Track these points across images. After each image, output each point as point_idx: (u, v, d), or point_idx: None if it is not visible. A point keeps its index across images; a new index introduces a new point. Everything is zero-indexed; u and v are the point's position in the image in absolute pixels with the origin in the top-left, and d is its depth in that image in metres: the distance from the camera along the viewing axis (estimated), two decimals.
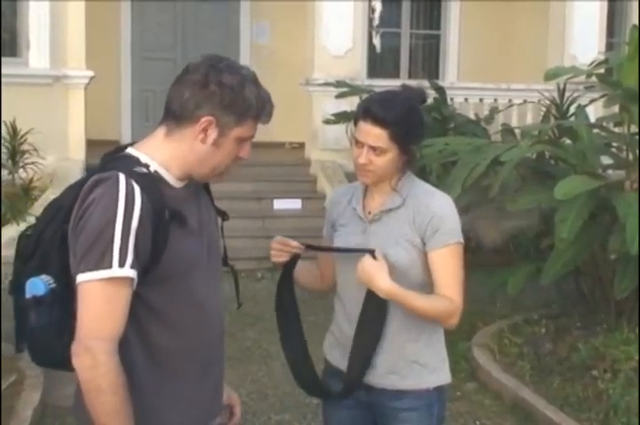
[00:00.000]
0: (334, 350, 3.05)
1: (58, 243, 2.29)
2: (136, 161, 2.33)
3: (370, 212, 2.94)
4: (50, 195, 9.63)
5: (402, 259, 2.83)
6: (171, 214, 2.27)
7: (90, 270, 2.19)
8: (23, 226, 8.84)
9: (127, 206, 2.19)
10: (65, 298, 2.28)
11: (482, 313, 7.39)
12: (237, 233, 9.49)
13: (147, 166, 2.32)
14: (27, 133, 9.72)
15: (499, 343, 6.46)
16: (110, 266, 2.18)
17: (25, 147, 9.79)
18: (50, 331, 2.28)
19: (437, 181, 7.50)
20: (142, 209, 2.20)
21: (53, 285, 2.27)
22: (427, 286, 2.86)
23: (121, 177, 2.22)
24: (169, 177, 2.36)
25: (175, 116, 2.35)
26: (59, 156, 10.38)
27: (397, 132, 2.77)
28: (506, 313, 7.31)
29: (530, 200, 6.28)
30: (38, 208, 9.34)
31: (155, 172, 2.33)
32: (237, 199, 10.05)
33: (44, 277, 2.27)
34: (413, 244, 2.82)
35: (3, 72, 9.87)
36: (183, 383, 2.40)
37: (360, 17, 11.82)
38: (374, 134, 2.78)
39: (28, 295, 2.27)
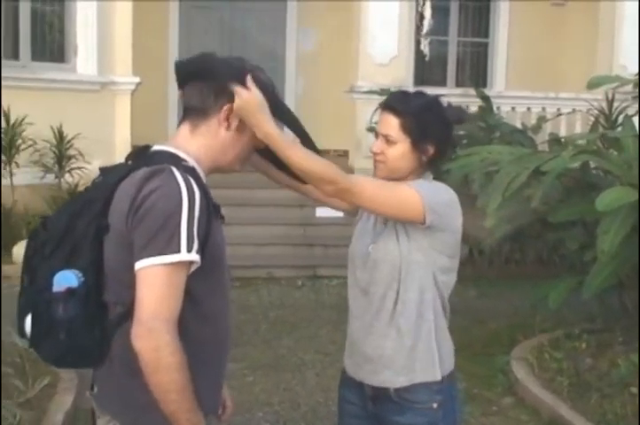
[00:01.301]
0: (348, 358, 3.07)
1: (91, 235, 2.34)
2: (176, 157, 2.42)
3: None
4: None
5: (391, 251, 2.84)
6: (213, 207, 2.38)
7: (157, 255, 2.24)
8: None
9: (189, 196, 2.28)
10: (95, 291, 2.34)
11: (524, 326, 7.29)
12: (277, 240, 9.51)
13: (187, 162, 2.42)
14: (73, 138, 9.82)
15: (539, 358, 6.34)
16: (178, 251, 2.25)
17: (71, 152, 9.88)
18: (81, 324, 2.31)
19: (480, 190, 7.40)
20: (201, 199, 2.30)
21: (82, 278, 2.31)
22: (423, 282, 2.85)
23: (174, 170, 2.32)
24: (201, 172, 2.45)
25: (197, 111, 2.48)
26: (105, 161, 10.39)
27: (409, 123, 2.80)
28: (548, 327, 7.17)
29: (572, 212, 6.18)
30: None
31: (193, 167, 2.42)
32: (279, 206, 10.04)
33: (74, 270, 2.31)
34: (410, 236, 2.83)
35: (51, 77, 10.07)
36: (211, 370, 2.48)
37: (405, 24, 11.75)
38: (386, 122, 2.84)
39: (59, 287, 2.30)
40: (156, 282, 2.25)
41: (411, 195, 2.74)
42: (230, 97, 2.44)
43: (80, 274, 2.31)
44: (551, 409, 5.56)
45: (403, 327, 2.86)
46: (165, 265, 2.24)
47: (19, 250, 8.64)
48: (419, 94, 2.90)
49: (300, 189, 2.97)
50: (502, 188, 6.15)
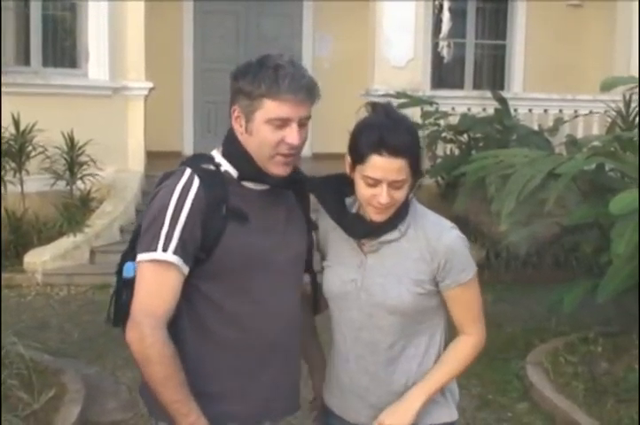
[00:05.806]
0: (336, 398, 2.77)
1: (137, 232, 2.54)
2: (209, 159, 2.52)
3: (364, 243, 2.60)
4: (108, 206, 9.65)
5: (406, 302, 2.55)
6: (229, 210, 2.42)
7: (143, 251, 2.41)
8: (80, 237, 8.88)
9: (180, 197, 2.39)
10: None
11: (540, 330, 7.19)
12: None
13: (218, 165, 2.49)
14: (85, 144, 9.71)
15: (554, 362, 6.23)
16: (155, 250, 2.37)
17: (83, 158, 9.78)
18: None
19: (495, 193, 7.29)
20: (194, 201, 2.38)
21: None
22: (435, 325, 2.67)
23: (187, 171, 2.45)
24: (234, 173, 2.50)
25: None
26: (118, 167, 10.40)
27: (416, 160, 2.47)
28: (563, 331, 7.06)
29: (587, 214, 6.06)
30: (95, 219, 9.35)
31: (225, 171, 2.49)
32: None
33: (134, 262, 2.47)
34: (418, 283, 2.55)
35: (62, 83, 10.02)
36: (237, 374, 2.53)
37: (422, 27, 11.65)
38: (395, 167, 2.42)
39: (125, 277, 2.49)
40: (142, 277, 2.41)
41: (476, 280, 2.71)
42: (234, 100, 2.47)
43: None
44: (566, 414, 5.45)
45: (413, 372, 2.63)
46: (149, 261, 2.39)
47: (30, 258, 8.60)
48: (400, 120, 2.50)
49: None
50: (516, 191, 6.04)
